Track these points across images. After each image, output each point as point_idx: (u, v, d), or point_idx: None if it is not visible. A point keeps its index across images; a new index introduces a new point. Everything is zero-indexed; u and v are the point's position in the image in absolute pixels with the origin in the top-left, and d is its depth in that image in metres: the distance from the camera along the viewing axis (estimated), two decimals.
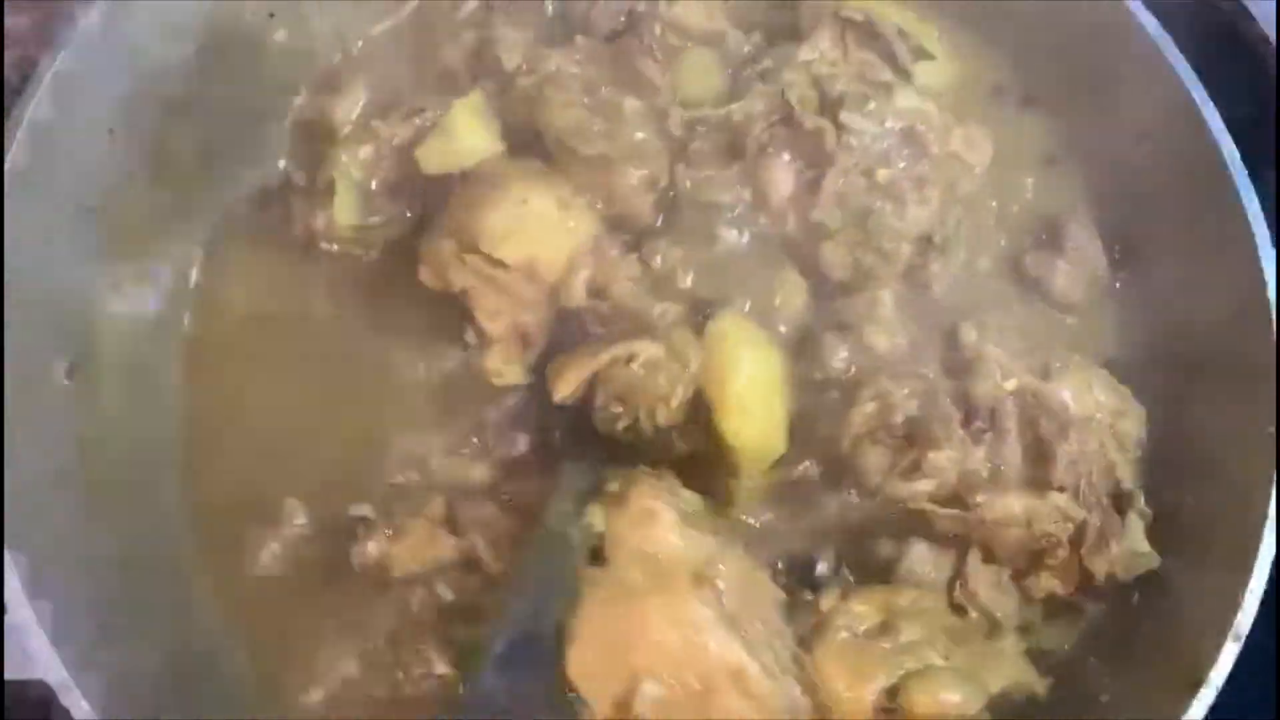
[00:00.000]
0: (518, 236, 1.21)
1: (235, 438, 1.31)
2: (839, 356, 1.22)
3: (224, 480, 1.29)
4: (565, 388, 1.19)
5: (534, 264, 1.21)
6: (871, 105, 1.24)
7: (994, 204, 1.39)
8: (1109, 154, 1.39)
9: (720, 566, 1.07)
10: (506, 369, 1.26)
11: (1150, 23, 1.31)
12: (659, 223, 1.28)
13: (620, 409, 1.18)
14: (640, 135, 1.27)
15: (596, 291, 1.23)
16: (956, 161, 1.29)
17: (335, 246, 1.35)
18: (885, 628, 1.14)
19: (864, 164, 1.23)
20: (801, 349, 1.23)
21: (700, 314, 1.22)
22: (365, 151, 1.33)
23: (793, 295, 1.26)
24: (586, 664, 1.05)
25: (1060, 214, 1.38)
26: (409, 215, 1.35)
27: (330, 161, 1.33)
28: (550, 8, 1.42)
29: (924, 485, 1.17)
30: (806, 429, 1.20)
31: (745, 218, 1.27)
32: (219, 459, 1.30)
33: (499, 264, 1.20)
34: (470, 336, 1.26)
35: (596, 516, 1.11)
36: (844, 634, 1.14)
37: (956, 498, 1.17)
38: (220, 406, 1.33)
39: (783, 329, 1.25)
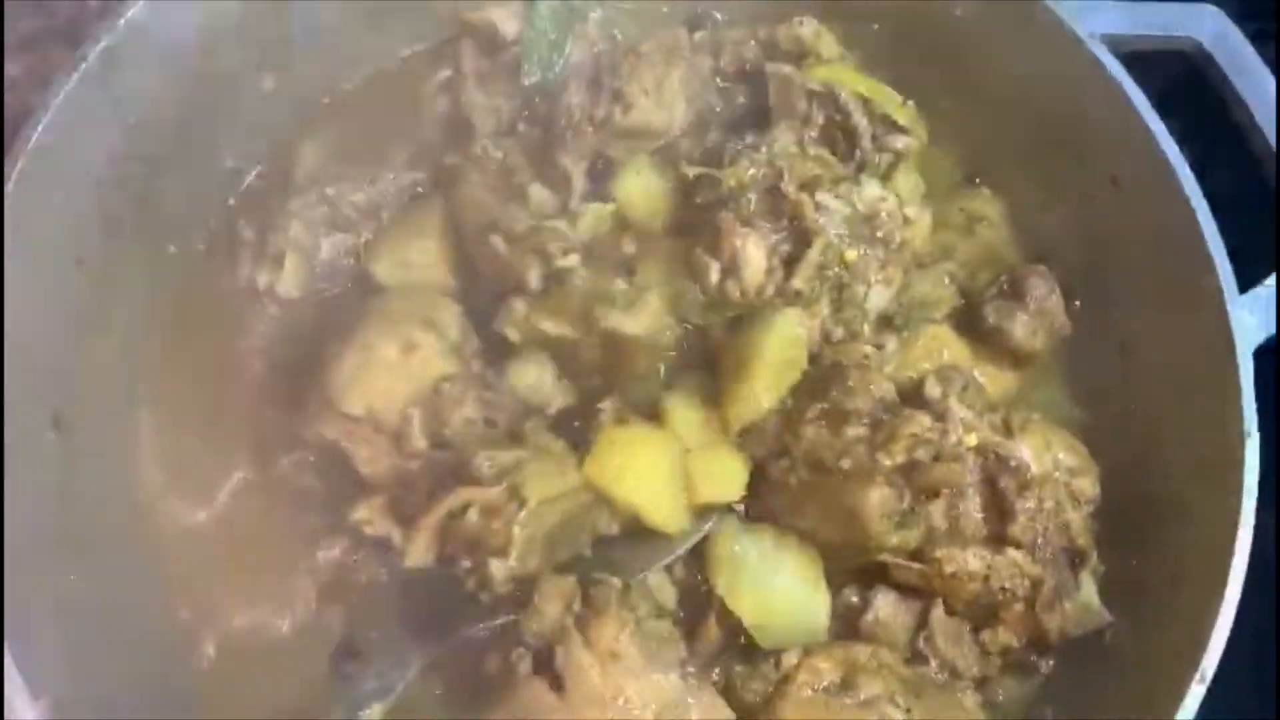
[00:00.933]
0: (360, 385, 1.22)
1: None
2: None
3: None
4: (415, 553, 1.16)
5: (374, 413, 1.22)
6: (841, 188, 1.28)
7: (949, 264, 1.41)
8: (1073, 202, 1.41)
9: (682, 713, 1.09)
10: (379, 520, 1.22)
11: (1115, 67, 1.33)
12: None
13: (468, 564, 1.15)
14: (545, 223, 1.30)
15: (433, 437, 1.22)
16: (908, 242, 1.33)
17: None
18: (846, 684, 1.16)
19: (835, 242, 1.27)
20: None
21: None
22: (317, 216, 1.38)
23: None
24: None
25: (1021, 264, 1.40)
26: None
27: (282, 226, 1.38)
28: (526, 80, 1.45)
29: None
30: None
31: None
32: None
33: (346, 415, 1.22)
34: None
35: None
36: (807, 691, 1.16)
37: (917, 551, 1.19)
38: None
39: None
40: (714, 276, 1.27)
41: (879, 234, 1.29)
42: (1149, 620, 1.20)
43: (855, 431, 1.20)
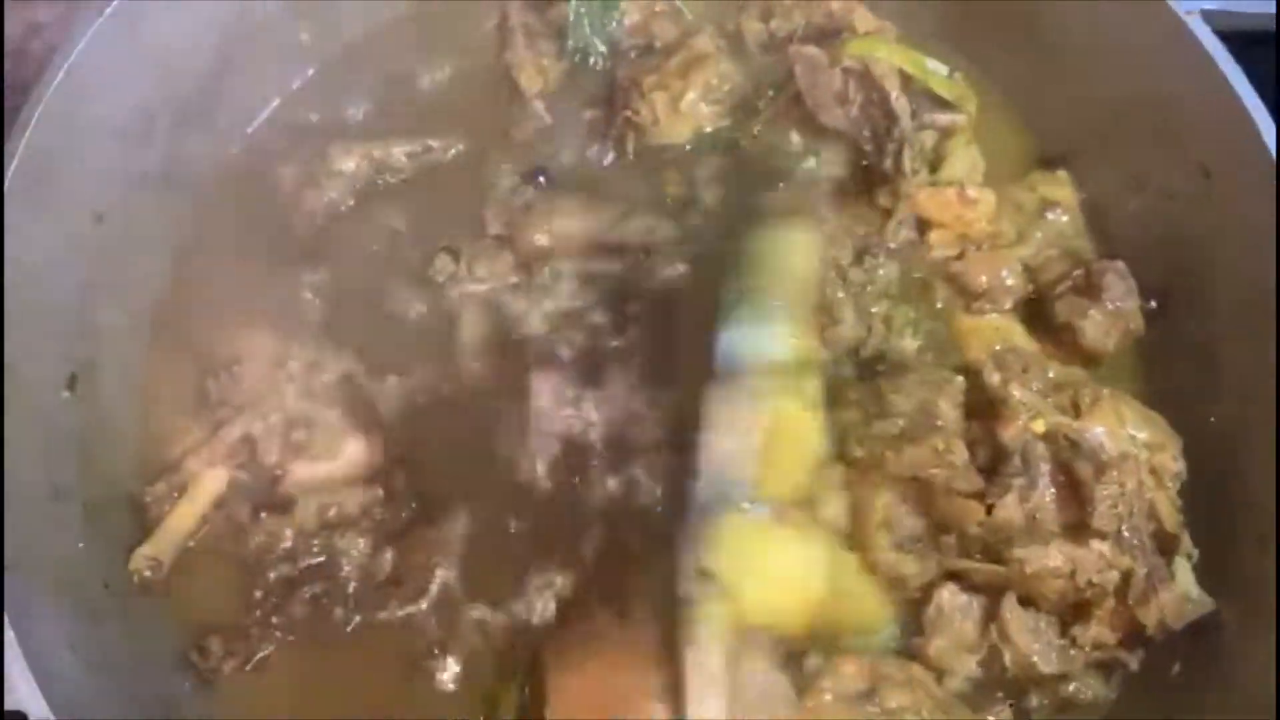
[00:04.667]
0: None
1: None
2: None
3: None
4: None
5: None
6: None
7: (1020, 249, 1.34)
8: (1157, 193, 1.31)
9: None
10: None
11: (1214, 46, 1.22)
12: None
13: None
14: None
15: None
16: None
17: None
18: (871, 693, 1.11)
19: None
20: None
21: None
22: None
23: None
24: (574, 710, 1.05)
25: (1096, 259, 1.32)
26: None
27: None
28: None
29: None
30: None
31: None
32: None
33: None
34: None
35: None
36: (828, 696, 1.11)
37: (990, 549, 1.13)
38: None
39: None
40: None
41: None
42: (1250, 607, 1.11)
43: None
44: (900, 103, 1.30)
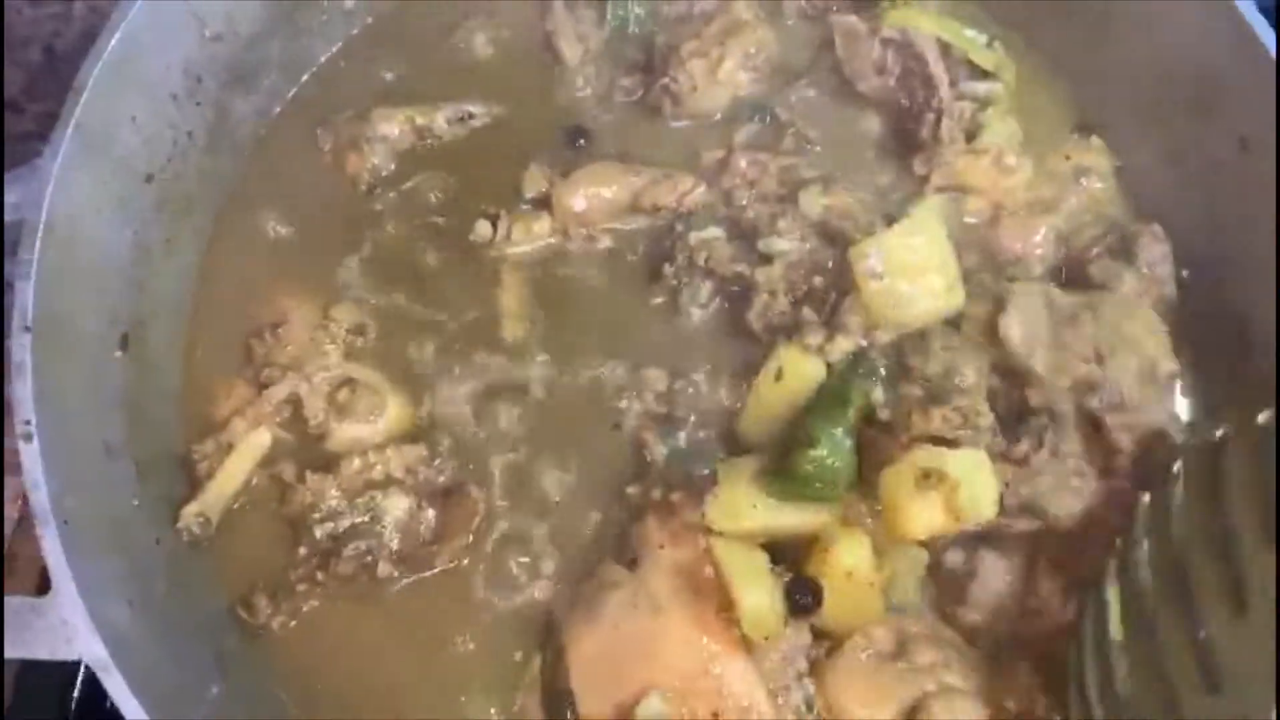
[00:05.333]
0: None
1: None
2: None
3: None
4: None
5: None
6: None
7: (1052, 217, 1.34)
8: (1193, 163, 1.31)
9: None
10: None
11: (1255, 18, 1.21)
12: None
13: None
14: None
15: None
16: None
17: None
18: (902, 650, 1.13)
19: None
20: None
21: None
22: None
23: None
24: (591, 661, 1.08)
25: (1135, 223, 1.32)
26: None
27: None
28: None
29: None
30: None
31: None
32: None
33: None
34: None
35: None
36: (862, 655, 1.13)
37: (1029, 506, 1.14)
38: None
39: None
40: None
41: None
42: None
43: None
44: (939, 71, 1.31)
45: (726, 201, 1.34)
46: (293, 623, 1.19)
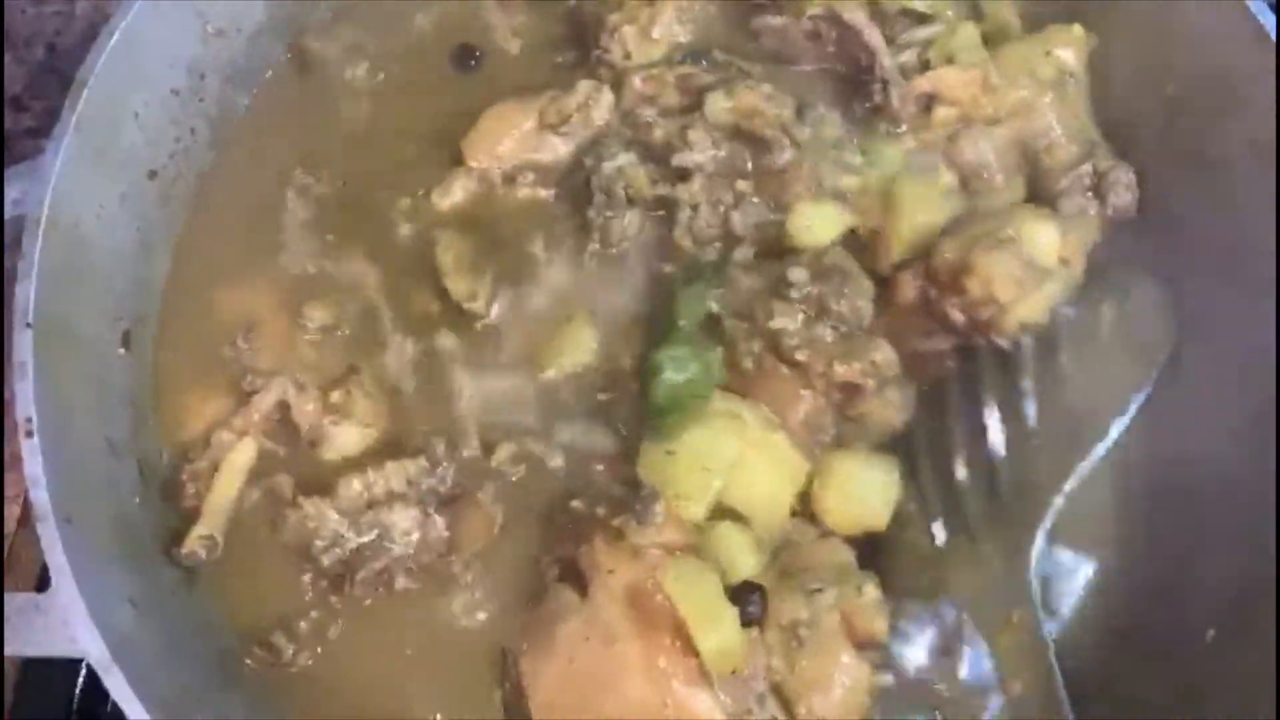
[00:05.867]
0: None
1: None
2: None
3: None
4: None
5: None
6: None
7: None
8: (1202, 165, 1.28)
9: None
10: None
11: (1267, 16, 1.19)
12: None
13: None
14: None
15: None
16: None
17: None
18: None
19: None
20: None
21: None
22: None
23: None
24: (552, 697, 1.05)
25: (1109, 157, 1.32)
26: None
27: None
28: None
29: None
30: None
31: None
32: None
33: None
34: None
35: None
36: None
37: None
38: None
39: None
40: None
41: None
42: None
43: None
44: (874, 39, 1.27)
45: (631, 124, 1.29)
46: (319, 649, 1.16)
